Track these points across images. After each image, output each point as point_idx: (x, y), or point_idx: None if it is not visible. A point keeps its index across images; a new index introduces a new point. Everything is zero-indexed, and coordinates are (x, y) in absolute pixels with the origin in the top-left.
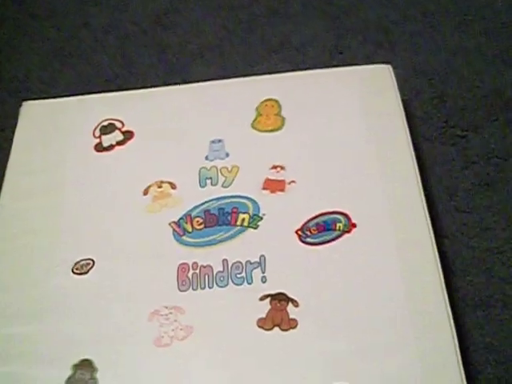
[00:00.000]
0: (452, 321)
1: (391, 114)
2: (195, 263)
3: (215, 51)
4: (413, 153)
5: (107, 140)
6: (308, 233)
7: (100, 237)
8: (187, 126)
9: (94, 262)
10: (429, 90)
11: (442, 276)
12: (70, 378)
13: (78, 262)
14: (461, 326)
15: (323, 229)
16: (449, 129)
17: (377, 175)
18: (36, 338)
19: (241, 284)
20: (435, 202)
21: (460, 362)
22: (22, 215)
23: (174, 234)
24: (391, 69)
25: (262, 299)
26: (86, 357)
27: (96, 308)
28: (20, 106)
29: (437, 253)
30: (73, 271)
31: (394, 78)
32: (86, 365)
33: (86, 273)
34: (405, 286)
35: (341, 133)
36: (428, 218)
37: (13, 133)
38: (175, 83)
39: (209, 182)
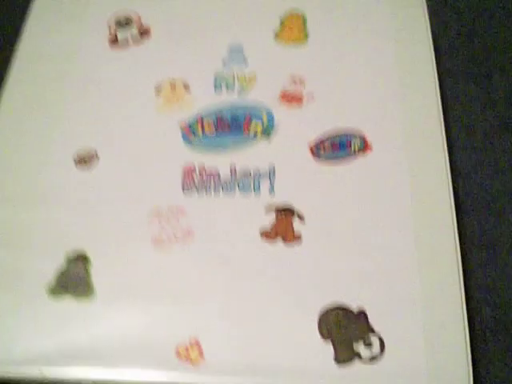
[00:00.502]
0: (459, 257)
1: (419, 42)
2: (202, 167)
3: None
4: (437, 84)
5: (122, 35)
6: (322, 149)
7: (105, 130)
8: (206, 28)
9: (97, 154)
10: (457, 26)
11: (453, 211)
12: (62, 269)
13: (80, 154)
14: (464, 263)
15: (338, 147)
16: (474, 67)
17: (398, 100)
18: (31, 226)
19: (247, 192)
20: (452, 139)
21: (463, 298)
22: (28, 101)
23: (182, 136)
24: None
25: (267, 210)
26: (81, 249)
27: (95, 201)
28: None
29: (451, 187)
30: (74, 162)
31: (425, 8)
32: (80, 258)
33: (87, 164)
34: (414, 215)
35: (366, 54)
36: (446, 151)
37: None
38: None
39: (224, 87)
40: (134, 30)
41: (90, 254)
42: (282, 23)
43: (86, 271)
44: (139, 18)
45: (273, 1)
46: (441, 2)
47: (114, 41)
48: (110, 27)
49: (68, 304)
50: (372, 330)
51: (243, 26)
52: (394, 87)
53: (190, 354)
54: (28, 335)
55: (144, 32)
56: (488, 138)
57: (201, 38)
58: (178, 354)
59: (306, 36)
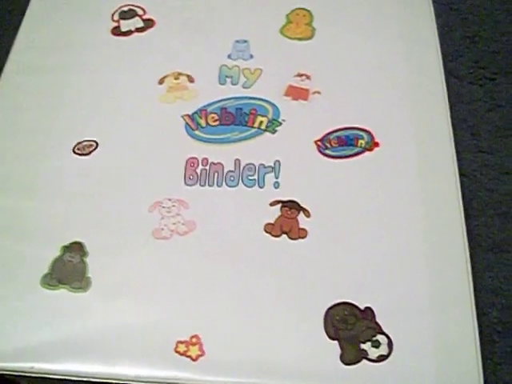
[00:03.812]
0: (468, 258)
1: (426, 41)
2: (205, 159)
3: None
4: (444, 82)
5: (126, 25)
6: (328, 144)
7: (107, 120)
8: (212, 22)
9: (97, 144)
10: (462, 29)
11: (462, 211)
12: (57, 259)
13: (80, 143)
14: (471, 266)
15: (344, 143)
16: (478, 69)
17: (405, 97)
18: (27, 214)
19: (252, 186)
20: (457, 141)
21: (473, 299)
22: (26, 90)
23: (186, 127)
24: None
25: (272, 205)
26: (78, 239)
27: (94, 191)
28: None
29: (459, 186)
30: (74, 151)
31: (432, 8)
32: (76, 247)
33: (87, 154)
34: (422, 213)
35: (373, 51)
36: (453, 150)
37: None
38: None
39: (229, 80)
40: (139, 22)
41: (88, 245)
42: (288, 19)
43: (83, 262)
44: (144, 10)
45: None
46: (445, 4)
47: (118, 30)
48: (113, 18)
49: (63, 296)
50: (380, 330)
51: (249, 21)
52: (402, 85)
53: (190, 350)
54: (21, 328)
55: (148, 24)
56: (493, 140)
57: (206, 31)
58: (177, 350)
59: (313, 32)
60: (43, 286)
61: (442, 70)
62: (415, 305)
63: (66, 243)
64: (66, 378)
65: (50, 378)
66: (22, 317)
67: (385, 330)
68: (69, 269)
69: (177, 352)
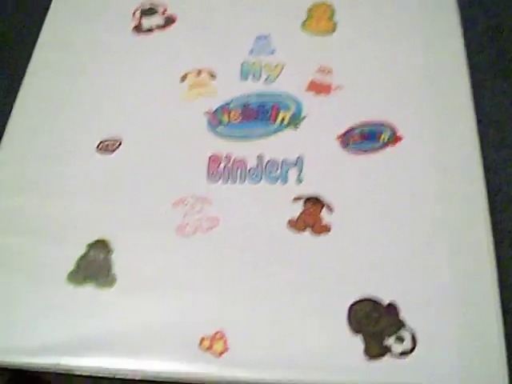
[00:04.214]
0: (493, 253)
1: (450, 35)
2: (228, 156)
3: None
4: (468, 75)
5: (147, 23)
6: (350, 139)
7: (130, 118)
8: (233, 18)
9: (120, 142)
10: (484, 22)
11: (486, 206)
12: (82, 257)
13: (103, 141)
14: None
15: (367, 137)
16: (503, 62)
17: (429, 92)
18: (52, 213)
19: (275, 182)
20: (481, 135)
21: (497, 295)
22: (50, 90)
23: (208, 124)
24: None
25: (295, 200)
26: (102, 237)
27: (118, 188)
28: None
29: (484, 180)
30: (97, 150)
31: (455, 1)
32: (101, 245)
33: (111, 152)
34: (446, 208)
35: (395, 45)
36: (478, 144)
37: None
38: None
39: (251, 76)
40: (160, 19)
41: (112, 242)
42: (309, 14)
43: (108, 259)
44: (165, 7)
45: None
46: None
47: (139, 28)
48: (135, 15)
49: (88, 292)
50: (404, 325)
51: (270, 16)
52: (424, 79)
53: (214, 345)
54: (47, 324)
55: (170, 20)
56: None
57: (227, 27)
58: (201, 345)
59: (334, 26)
60: (69, 284)
61: (466, 64)
62: (439, 300)
63: (91, 241)
64: (92, 374)
65: (75, 374)
66: (47, 314)
67: (408, 325)
68: (94, 266)
69: (201, 347)
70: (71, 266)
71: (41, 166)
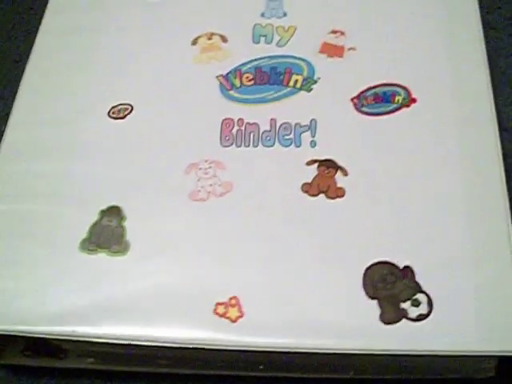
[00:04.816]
0: (509, 214)
1: None
2: (241, 119)
3: None
4: (482, 34)
5: None
6: (364, 102)
7: (141, 82)
8: None
9: (132, 107)
10: None
11: (502, 167)
12: (95, 224)
13: (115, 106)
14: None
15: (381, 100)
16: None
17: (442, 51)
18: (63, 178)
19: (288, 146)
20: (496, 94)
21: None
22: (60, 52)
23: (220, 88)
24: None
25: (309, 164)
26: (115, 203)
27: (130, 154)
28: None
29: (499, 141)
30: (109, 115)
31: None
32: (114, 212)
33: (122, 118)
34: (462, 170)
35: (408, 5)
36: (493, 104)
37: None
38: None
39: (263, 39)
40: None
41: (125, 208)
42: None
43: (121, 226)
44: None
45: None
46: None
47: None
48: None
49: (102, 259)
50: (420, 288)
51: None
52: (438, 39)
53: (229, 311)
54: (61, 293)
55: None
56: None
57: None
58: (216, 311)
59: None
60: (82, 251)
61: (480, 22)
62: (455, 263)
63: (104, 207)
64: (107, 341)
65: (91, 342)
66: (61, 281)
67: (425, 288)
68: (107, 233)
69: (216, 314)
70: (84, 233)
71: (52, 131)
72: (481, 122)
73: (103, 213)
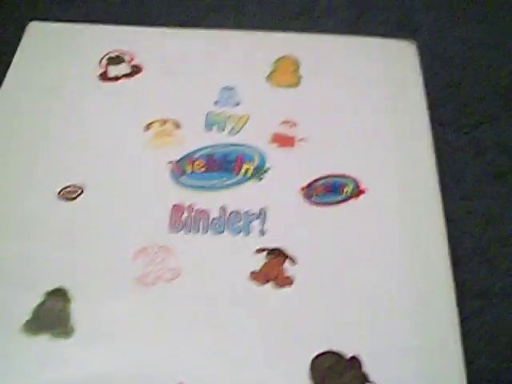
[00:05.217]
0: (455, 306)
1: (412, 90)
2: (191, 206)
3: (232, 9)
4: (430, 130)
5: (113, 71)
6: (314, 192)
7: (92, 165)
8: (199, 69)
9: (82, 190)
10: (446, 76)
11: (449, 258)
12: (39, 306)
13: (64, 188)
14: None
15: (330, 190)
16: (463, 117)
17: (391, 146)
18: (7, 258)
19: (237, 234)
20: (442, 187)
21: (460, 348)
22: (12, 132)
23: (171, 174)
24: (415, 47)
25: (258, 252)
26: (61, 285)
27: (78, 236)
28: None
29: (445, 233)
30: (58, 196)
31: (417, 56)
32: (59, 294)
33: (72, 199)
34: (408, 261)
35: (359, 98)
36: (439, 197)
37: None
38: None
39: (215, 127)
40: (126, 68)
41: (71, 291)
42: (275, 66)
43: (66, 309)
44: (132, 56)
45: (267, 45)
46: (429, 51)
47: (105, 76)
48: (101, 64)
49: (44, 343)
50: (367, 379)
51: (236, 68)
52: (387, 132)
53: None
54: (1, 375)
55: (136, 70)
56: (479, 186)
57: (194, 78)
58: None
59: (299, 80)
60: (25, 333)
61: (428, 117)
62: (403, 353)
63: (49, 289)
64: None
65: None
66: (1, 364)
67: (372, 379)
68: (52, 315)
69: None
70: (27, 315)
71: None
72: (428, 214)
73: (48, 295)
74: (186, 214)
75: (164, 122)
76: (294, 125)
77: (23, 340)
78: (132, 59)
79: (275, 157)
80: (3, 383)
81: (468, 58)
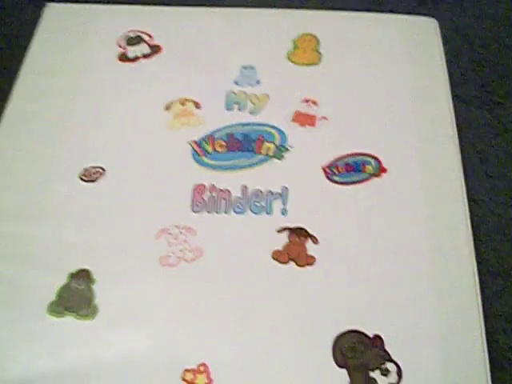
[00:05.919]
0: (478, 285)
1: (433, 67)
2: (213, 186)
3: None
4: (452, 107)
5: (133, 51)
6: (335, 171)
7: (114, 146)
8: (219, 49)
9: (104, 170)
10: (469, 53)
11: (470, 236)
12: (63, 287)
13: (87, 169)
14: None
15: (352, 169)
16: (486, 94)
17: (413, 122)
18: (33, 241)
19: (259, 213)
20: (465, 165)
21: (483, 327)
22: (34, 115)
23: (193, 154)
24: (437, 23)
25: (279, 231)
26: (85, 266)
27: (101, 218)
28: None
29: (468, 211)
30: (80, 178)
31: (439, 33)
32: (82, 275)
33: (94, 181)
34: (431, 240)
35: (379, 76)
36: (462, 175)
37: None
38: None
39: (236, 106)
40: (145, 48)
41: (95, 272)
42: (295, 45)
43: (90, 290)
44: (151, 36)
45: (286, 23)
46: (452, 29)
47: (124, 57)
48: (120, 44)
49: (69, 323)
50: (389, 357)
51: (256, 47)
52: (409, 110)
53: (198, 378)
54: (26, 354)
55: (155, 50)
56: (501, 165)
57: (213, 57)
58: (184, 378)
59: (320, 57)
60: (50, 314)
61: (450, 95)
62: (424, 332)
63: (73, 270)
64: None
65: None
66: (28, 344)
67: (394, 357)
68: (76, 296)
69: (184, 380)
70: (52, 296)
71: (24, 192)
72: (450, 193)
73: (72, 276)
74: (207, 194)
75: (184, 101)
76: (315, 103)
77: (48, 321)
78: (151, 39)
79: (296, 136)
80: (29, 363)
81: (491, 34)
